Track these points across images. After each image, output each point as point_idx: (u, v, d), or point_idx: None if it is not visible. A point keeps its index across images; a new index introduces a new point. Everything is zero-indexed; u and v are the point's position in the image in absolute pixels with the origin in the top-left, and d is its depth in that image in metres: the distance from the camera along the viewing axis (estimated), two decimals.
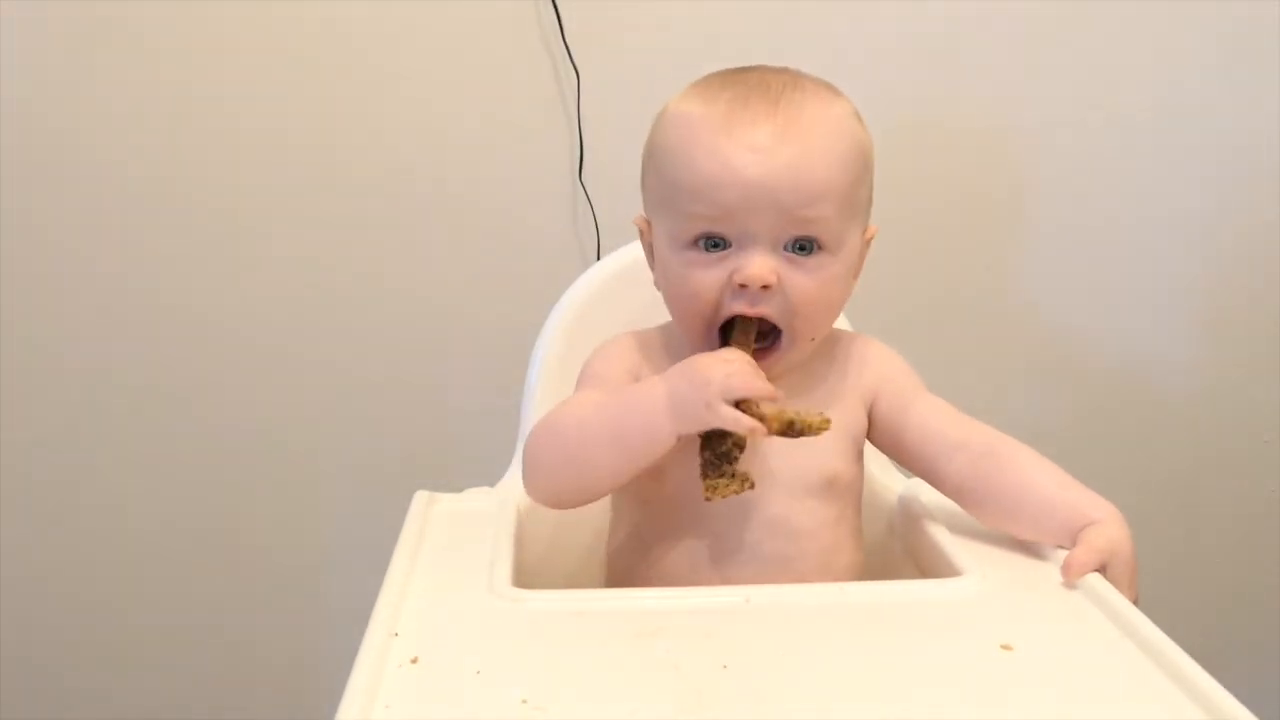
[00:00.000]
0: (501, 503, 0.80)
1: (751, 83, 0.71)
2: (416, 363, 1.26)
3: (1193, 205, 1.26)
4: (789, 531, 0.73)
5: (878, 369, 0.78)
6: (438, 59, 1.19)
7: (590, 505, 0.83)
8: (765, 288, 0.69)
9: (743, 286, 0.69)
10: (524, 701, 0.52)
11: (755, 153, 0.68)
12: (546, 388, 0.92)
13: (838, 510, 0.75)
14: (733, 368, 0.65)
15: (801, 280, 0.70)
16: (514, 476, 0.89)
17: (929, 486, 0.82)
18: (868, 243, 0.76)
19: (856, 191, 0.72)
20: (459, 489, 0.84)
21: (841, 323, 0.93)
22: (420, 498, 0.80)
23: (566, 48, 1.17)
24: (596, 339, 0.81)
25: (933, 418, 0.75)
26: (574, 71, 1.18)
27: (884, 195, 0.74)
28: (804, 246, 0.70)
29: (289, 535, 1.31)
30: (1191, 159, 1.24)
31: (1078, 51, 1.21)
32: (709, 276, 0.70)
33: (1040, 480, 0.70)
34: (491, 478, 0.89)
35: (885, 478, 0.87)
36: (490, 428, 1.19)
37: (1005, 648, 0.58)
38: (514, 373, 0.96)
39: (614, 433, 0.69)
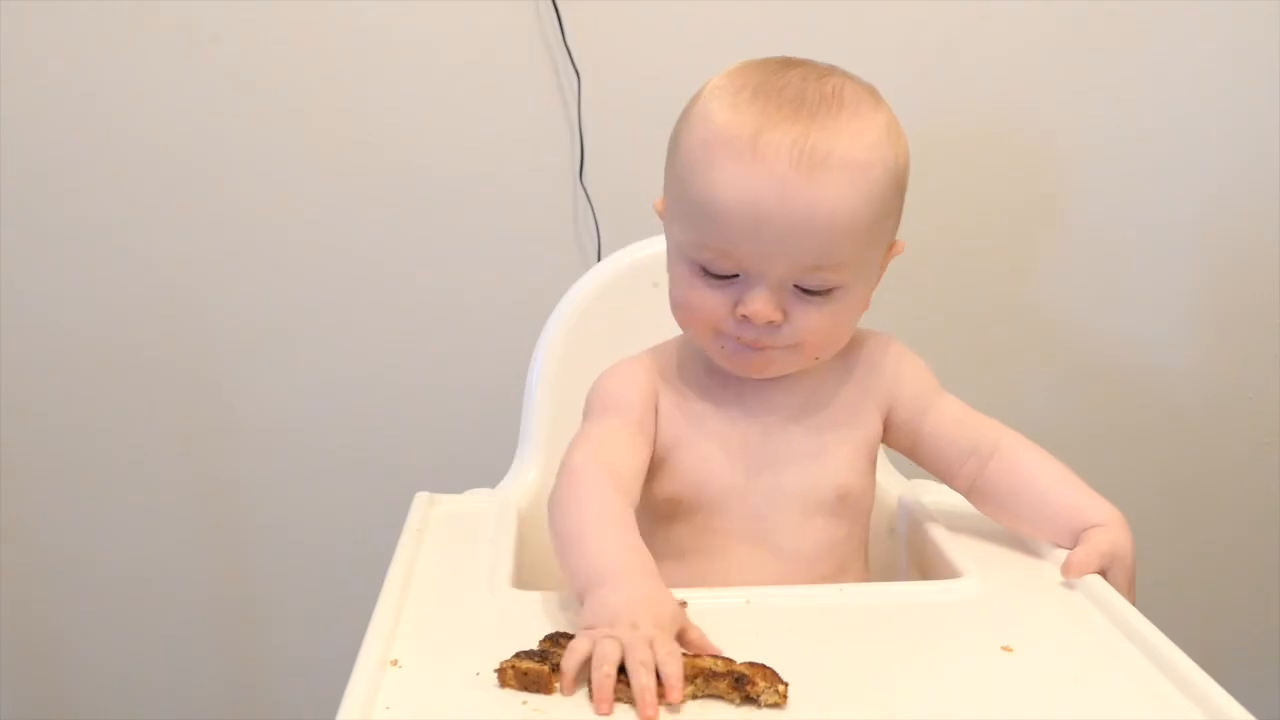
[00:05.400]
0: (502, 504, 0.80)
1: (787, 96, 0.64)
2: (417, 363, 1.26)
3: (1196, 209, 1.26)
4: (794, 553, 0.71)
5: (894, 375, 0.75)
6: (439, 61, 1.19)
7: None
8: (771, 323, 0.66)
9: (746, 318, 0.66)
10: (524, 703, 0.52)
11: (774, 193, 0.62)
12: (547, 389, 0.92)
13: (847, 528, 0.73)
14: (656, 654, 0.52)
15: (811, 316, 0.66)
16: (514, 477, 0.90)
17: (929, 488, 0.83)
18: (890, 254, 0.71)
19: (884, 222, 0.67)
20: (459, 489, 0.84)
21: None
22: (420, 498, 0.80)
23: (568, 50, 1.17)
24: (597, 341, 0.81)
25: (948, 424, 0.74)
26: (575, 74, 1.18)
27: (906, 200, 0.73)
28: (818, 287, 0.66)
29: (289, 535, 1.31)
30: (1196, 162, 1.24)
31: (1084, 57, 1.21)
32: (710, 299, 0.67)
33: (1044, 480, 0.70)
34: (492, 478, 0.89)
35: (885, 479, 0.87)
36: (490, 429, 1.20)
37: (1006, 649, 0.58)
38: (514, 374, 0.96)
39: (563, 549, 0.63)
